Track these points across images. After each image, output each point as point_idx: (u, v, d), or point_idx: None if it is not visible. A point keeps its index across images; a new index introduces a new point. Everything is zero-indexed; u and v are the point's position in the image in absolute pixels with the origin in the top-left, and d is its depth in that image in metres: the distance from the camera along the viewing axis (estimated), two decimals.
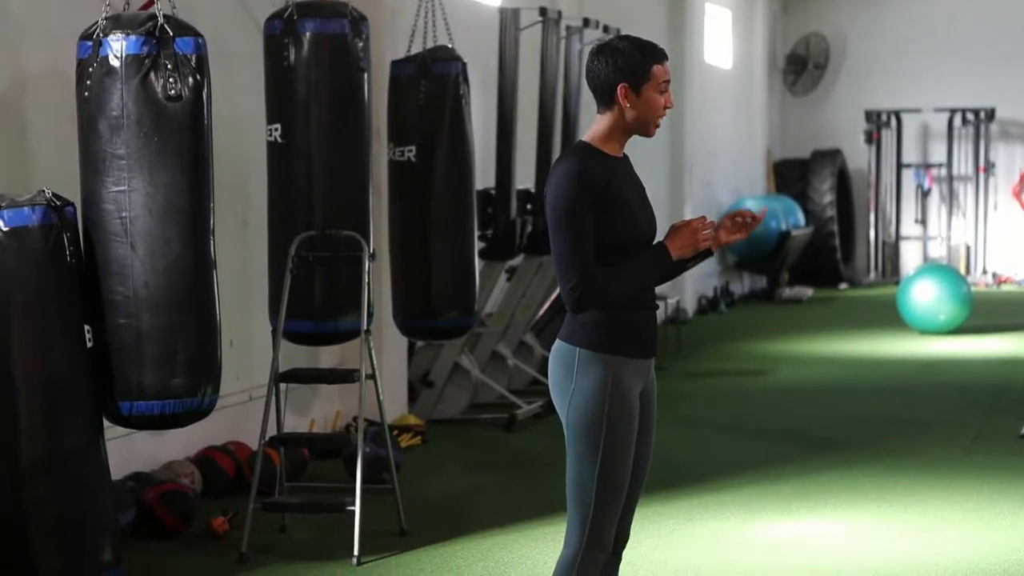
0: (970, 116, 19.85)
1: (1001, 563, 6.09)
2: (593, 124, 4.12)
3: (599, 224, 4.00)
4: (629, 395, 4.07)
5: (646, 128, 4.08)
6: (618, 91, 4.02)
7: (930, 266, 15.28)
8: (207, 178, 5.34)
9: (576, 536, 4.07)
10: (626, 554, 6.22)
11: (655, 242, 4.10)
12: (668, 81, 4.06)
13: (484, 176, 9.37)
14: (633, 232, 4.05)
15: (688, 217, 14.81)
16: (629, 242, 4.03)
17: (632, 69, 4.01)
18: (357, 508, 6.20)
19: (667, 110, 4.08)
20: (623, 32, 10.99)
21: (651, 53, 4.05)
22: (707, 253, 4.12)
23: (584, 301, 3.98)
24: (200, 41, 5.27)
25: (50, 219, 4.99)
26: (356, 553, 6.15)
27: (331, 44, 6.74)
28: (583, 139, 4.12)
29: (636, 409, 4.09)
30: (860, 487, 7.54)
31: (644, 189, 4.20)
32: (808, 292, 18.26)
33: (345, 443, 7.57)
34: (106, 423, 5.29)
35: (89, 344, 5.13)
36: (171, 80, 5.15)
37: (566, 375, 4.05)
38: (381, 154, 8.11)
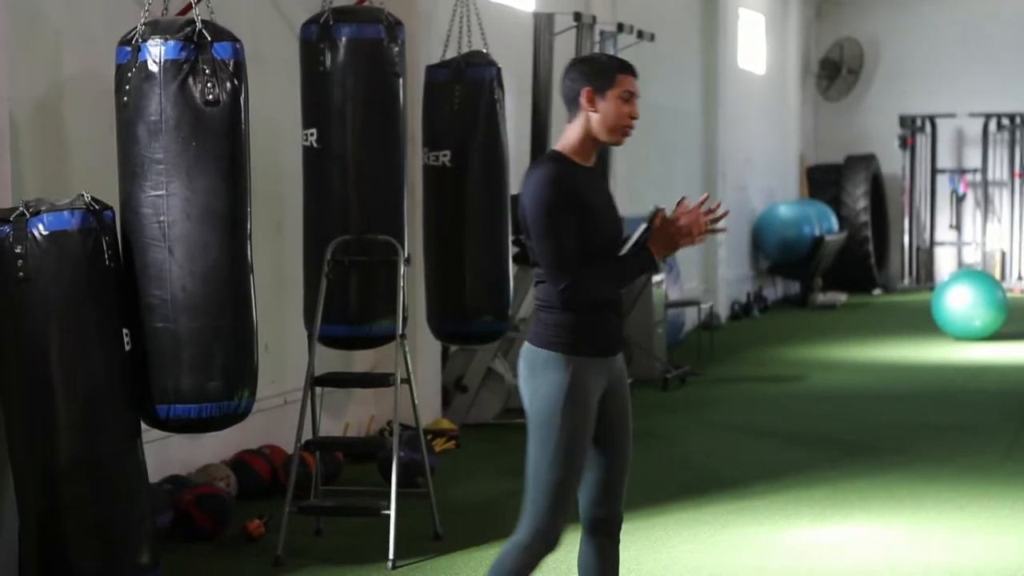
0: (1005, 121, 19.75)
1: None
2: (563, 133, 4.32)
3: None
4: (587, 393, 4.26)
5: (611, 135, 4.27)
6: (583, 95, 4.23)
7: (965, 272, 15.22)
8: (244, 182, 5.37)
9: (529, 522, 4.33)
10: (660, 558, 6.25)
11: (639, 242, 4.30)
12: (633, 92, 4.25)
13: (518, 181, 9.37)
14: (597, 238, 4.24)
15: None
16: (591, 247, 4.22)
17: (597, 75, 4.24)
18: (392, 512, 6.22)
19: (633, 120, 4.26)
20: (656, 36, 11.04)
21: (618, 64, 4.29)
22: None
23: (575, 300, 4.21)
24: (238, 46, 5.30)
25: (89, 223, 5.03)
26: (391, 557, 6.16)
27: (367, 49, 6.75)
28: (554, 148, 4.33)
29: (593, 407, 4.29)
30: (895, 493, 7.51)
31: (611, 198, 4.41)
32: (841, 298, 18.20)
33: (380, 447, 7.58)
34: (143, 426, 5.32)
35: (127, 348, 5.17)
36: (209, 85, 5.18)
37: (530, 373, 4.33)
38: (416, 158, 8.12)
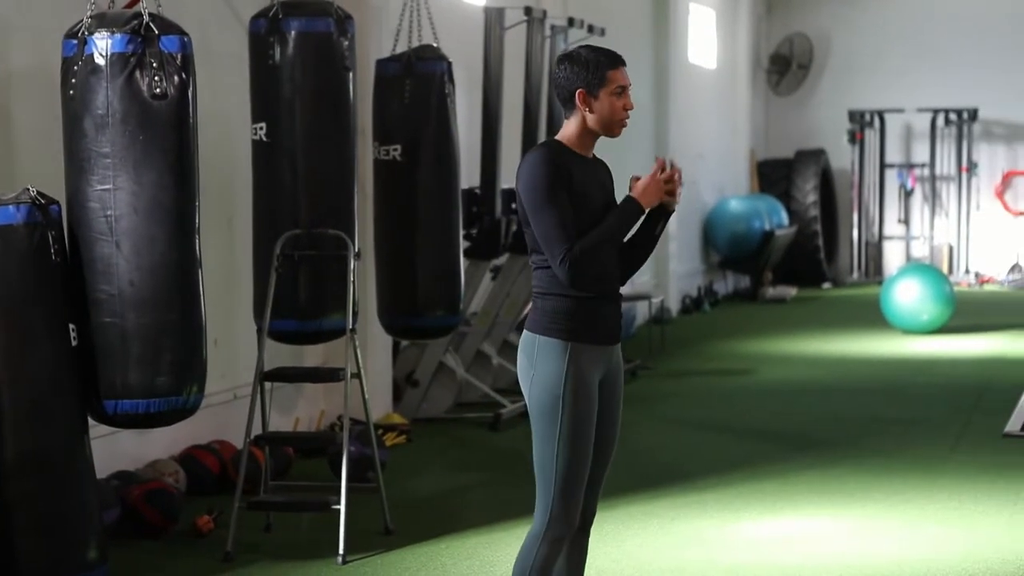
0: (953, 116, 19.89)
1: (984, 561, 6.11)
2: (563, 126, 4.38)
3: None
4: (587, 379, 4.29)
5: (608, 129, 4.34)
6: (577, 96, 4.28)
7: (913, 266, 15.32)
8: (192, 176, 5.35)
9: (542, 511, 4.31)
10: (610, 552, 6.27)
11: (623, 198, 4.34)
12: (624, 86, 4.32)
13: (469, 175, 9.38)
14: (591, 224, 4.26)
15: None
16: (585, 232, 4.24)
17: (588, 74, 4.27)
18: (342, 507, 6.21)
19: (628, 112, 4.33)
20: (607, 31, 11.05)
21: (607, 60, 4.31)
22: (668, 213, 4.41)
23: (575, 270, 4.22)
24: (186, 39, 5.27)
25: (35, 217, 4.99)
26: (341, 552, 6.15)
27: (316, 43, 6.73)
28: (555, 137, 4.39)
29: (594, 392, 4.31)
30: (844, 486, 7.56)
31: (612, 192, 4.44)
32: (791, 292, 18.30)
33: (330, 442, 7.56)
34: (91, 421, 5.29)
35: (74, 343, 5.13)
36: (156, 78, 5.15)
37: (528, 361, 4.33)
38: (366, 153, 8.11)
